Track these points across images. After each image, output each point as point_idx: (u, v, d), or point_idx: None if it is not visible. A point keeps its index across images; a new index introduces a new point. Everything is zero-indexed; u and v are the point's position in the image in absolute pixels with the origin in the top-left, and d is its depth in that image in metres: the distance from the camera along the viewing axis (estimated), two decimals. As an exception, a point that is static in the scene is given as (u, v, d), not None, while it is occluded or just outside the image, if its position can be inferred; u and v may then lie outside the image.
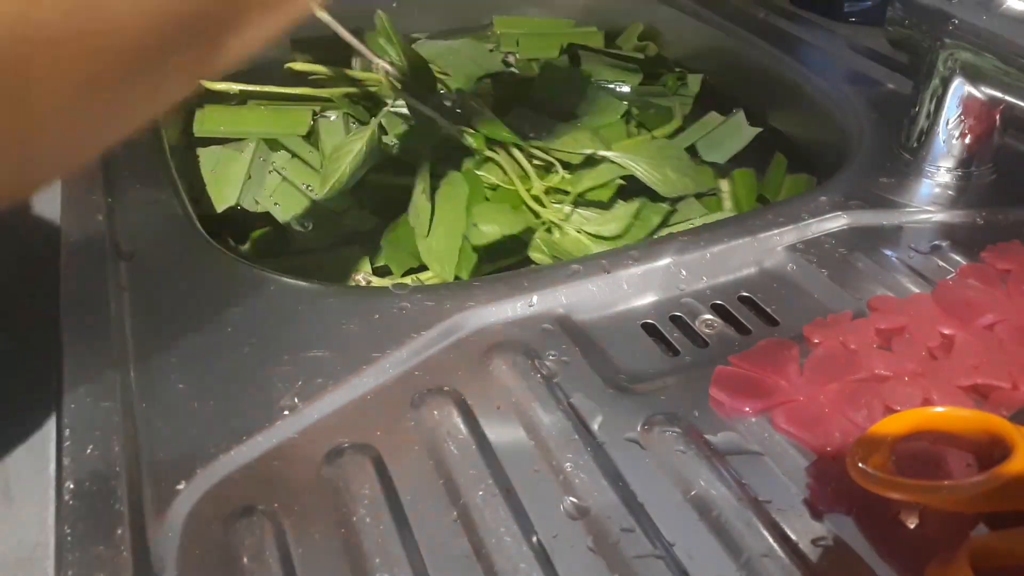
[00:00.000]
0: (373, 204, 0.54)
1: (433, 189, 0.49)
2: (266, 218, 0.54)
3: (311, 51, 0.65)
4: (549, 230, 0.50)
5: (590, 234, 0.49)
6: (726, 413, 0.33)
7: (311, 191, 0.54)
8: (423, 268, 0.48)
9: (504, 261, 0.49)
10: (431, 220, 0.47)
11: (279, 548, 0.28)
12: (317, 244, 0.52)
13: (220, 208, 0.53)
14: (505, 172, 0.50)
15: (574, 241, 0.49)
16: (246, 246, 0.53)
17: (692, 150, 0.62)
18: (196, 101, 0.60)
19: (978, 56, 0.44)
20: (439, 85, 0.63)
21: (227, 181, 0.55)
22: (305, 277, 0.40)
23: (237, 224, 0.54)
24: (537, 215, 0.49)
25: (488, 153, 0.51)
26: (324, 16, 0.54)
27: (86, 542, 0.27)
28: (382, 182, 0.54)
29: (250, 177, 0.55)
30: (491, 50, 0.74)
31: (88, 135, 0.26)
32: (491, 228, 0.47)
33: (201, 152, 0.57)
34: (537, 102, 0.61)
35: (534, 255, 0.48)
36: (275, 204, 0.54)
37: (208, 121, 0.59)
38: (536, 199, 0.50)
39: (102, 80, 0.24)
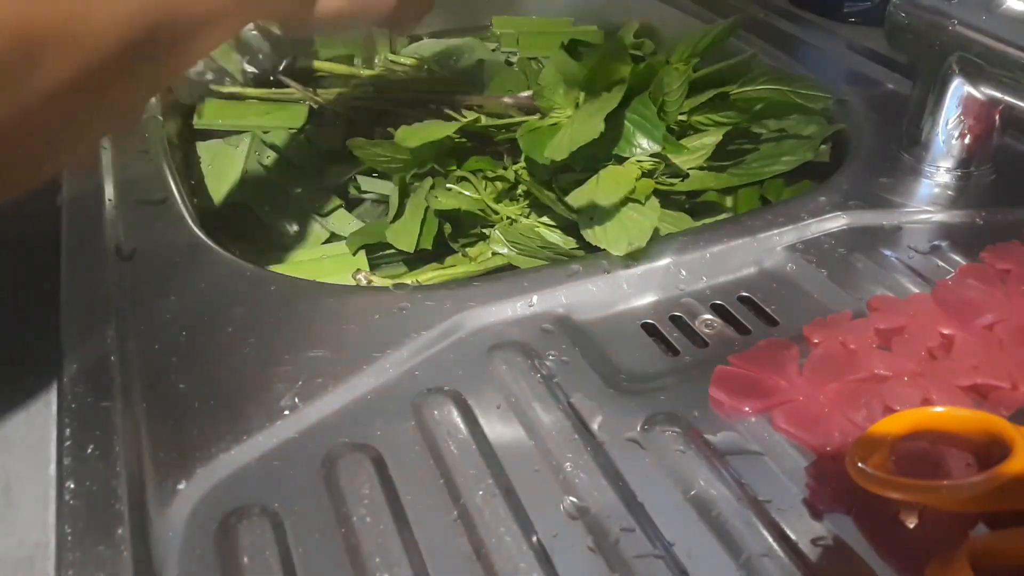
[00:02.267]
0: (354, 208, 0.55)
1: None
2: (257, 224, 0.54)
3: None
4: (511, 224, 0.51)
5: (543, 223, 0.51)
6: (726, 413, 0.33)
7: (300, 192, 0.55)
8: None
9: (465, 239, 0.51)
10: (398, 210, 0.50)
11: (279, 548, 0.28)
12: (307, 242, 0.53)
13: (218, 201, 0.53)
14: (476, 188, 0.53)
15: (528, 227, 0.50)
16: (241, 242, 0.53)
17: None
18: (197, 98, 0.61)
19: (978, 56, 0.44)
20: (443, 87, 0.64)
21: (224, 175, 0.55)
22: (302, 276, 0.40)
23: (234, 218, 0.54)
24: (497, 212, 0.51)
25: (460, 173, 0.53)
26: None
27: (86, 542, 0.27)
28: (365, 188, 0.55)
29: (247, 172, 0.56)
30: (493, 49, 0.74)
31: (73, 131, 0.29)
32: (450, 201, 0.50)
33: (200, 146, 0.57)
34: None
35: (495, 247, 0.49)
36: (265, 207, 0.54)
37: (209, 114, 0.60)
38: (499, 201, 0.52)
39: (85, 80, 0.27)
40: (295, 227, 0.53)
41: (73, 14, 0.26)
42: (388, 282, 0.44)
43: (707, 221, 0.53)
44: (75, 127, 0.30)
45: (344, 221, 0.53)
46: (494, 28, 0.78)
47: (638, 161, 0.46)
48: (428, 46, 0.70)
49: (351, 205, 0.55)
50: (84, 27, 0.27)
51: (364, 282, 0.46)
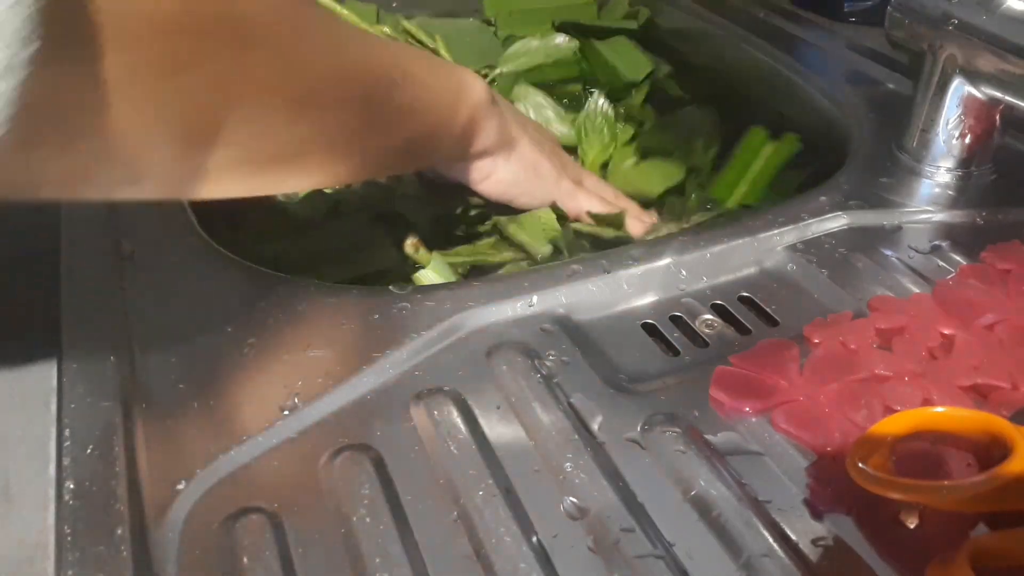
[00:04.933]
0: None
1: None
2: (258, 203, 0.54)
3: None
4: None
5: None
6: (726, 413, 0.33)
7: None
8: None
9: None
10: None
11: (279, 548, 0.28)
12: (312, 217, 0.52)
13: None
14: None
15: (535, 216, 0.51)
16: (240, 232, 0.53)
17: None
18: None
19: (978, 56, 0.44)
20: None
21: None
22: (306, 268, 0.40)
23: (234, 217, 0.54)
24: None
25: None
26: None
27: (86, 542, 0.27)
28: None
29: None
30: (494, 32, 0.74)
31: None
32: None
33: None
34: None
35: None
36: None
37: None
38: None
39: None
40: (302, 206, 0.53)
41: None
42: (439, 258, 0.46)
43: (701, 218, 0.53)
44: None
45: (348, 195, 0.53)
46: (486, 12, 0.77)
47: None
48: (434, 25, 0.70)
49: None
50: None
51: (413, 251, 0.46)
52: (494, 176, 0.48)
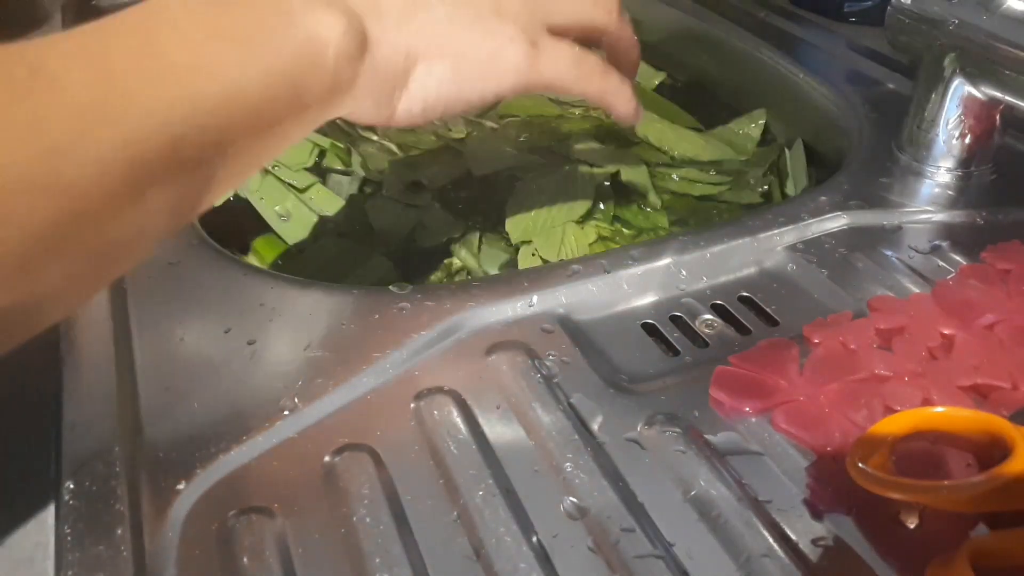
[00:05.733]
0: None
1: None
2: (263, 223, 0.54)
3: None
4: None
5: None
6: (726, 413, 0.33)
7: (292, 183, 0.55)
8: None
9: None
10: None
11: (279, 548, 0.28)
12: (319, 247, 0.53)
13: (217, 202, 0.54)
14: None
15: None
16: (249, 256, 0.53)
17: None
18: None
19: (978, 56, 0.44)
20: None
21: None
22: (307, 277, 0.40)
23: (234, 217, 0.54)
24: None
25: None
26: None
27: (86, 542, 0.27)
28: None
29: None
30: None
31: (60, 284, 0.24)
32: None
33: None
34: None
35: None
36: (260, 199, 0.54)
37: None
38: None
39: (71, 226, 0.22)
40: (286, 216, 0.53)
41: (55, 149, 0.21)
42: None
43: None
44: (60, 280, 0.24)
45: (325, 198, 0.54)
46: None
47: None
48: None
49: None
50: (67, 163, 0.21)
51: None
52: (404, 107, 0.34)
